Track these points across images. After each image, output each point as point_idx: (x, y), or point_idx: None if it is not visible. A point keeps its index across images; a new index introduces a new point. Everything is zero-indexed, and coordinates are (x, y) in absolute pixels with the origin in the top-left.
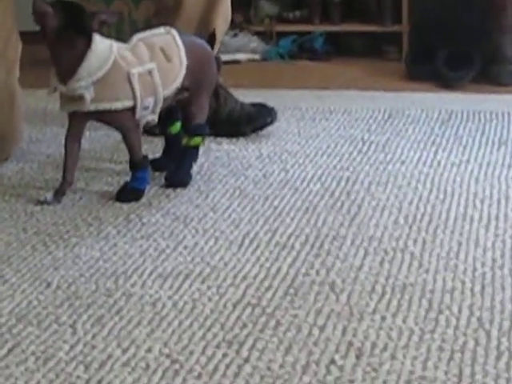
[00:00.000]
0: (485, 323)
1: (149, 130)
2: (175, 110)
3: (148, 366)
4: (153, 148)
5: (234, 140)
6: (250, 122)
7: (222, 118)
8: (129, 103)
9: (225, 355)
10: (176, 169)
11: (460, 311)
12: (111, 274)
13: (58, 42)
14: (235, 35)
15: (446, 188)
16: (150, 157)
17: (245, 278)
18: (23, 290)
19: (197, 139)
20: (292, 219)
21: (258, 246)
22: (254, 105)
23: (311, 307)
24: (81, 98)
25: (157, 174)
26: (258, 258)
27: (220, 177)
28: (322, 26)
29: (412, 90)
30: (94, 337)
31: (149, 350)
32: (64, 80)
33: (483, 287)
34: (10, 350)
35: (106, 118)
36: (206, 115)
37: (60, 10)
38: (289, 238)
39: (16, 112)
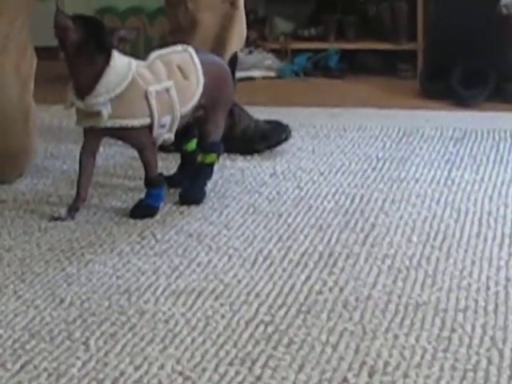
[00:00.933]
0: (498, 342)
1: (164, 147)
2: (191, 127)
3: (160, 383)
4: (167, 165)
5: (248, 157)
6: (265, 139)
7: (236, 136)
8: (146, 121)
9: (237, 373)
10: (190, 186)
11: (473, 330)
12: (124, 290)
13: (77, 57)
14: (250, 52)
15: (460, 206)
16: (165, 173)
17: (258, 295)
18: (36, 305)
19: (212, 156)
20: (306, 237)
21: (271, 264)
22: (268, 122)
23: (324, 325)
24: (98, 114)
25: (171, 190)
26: (272, 276)
27: (234, 194)
28: (336, 43)
29: (426, 108)
30: (106, 354)
31: (161, 367)
32: (82, 95)
33: (496, 306)
34: (22, 366)
35: (122, 134)
36: (222, 133)
37: (80, 25)
38: (302, 255)
39: (31, 128)
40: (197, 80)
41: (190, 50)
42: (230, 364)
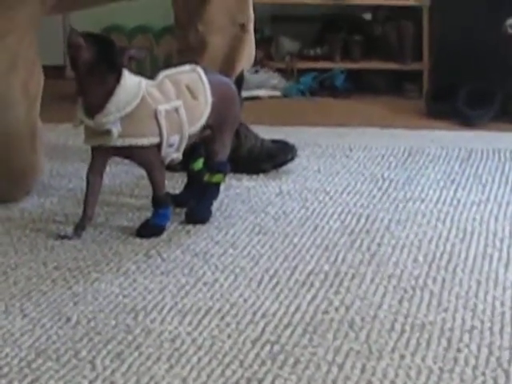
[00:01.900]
0: (503, 363)
1: (171, 166)
2: (198, 146)
3: None
4: (174, 184)
5: (254, 177)
6: (271, 158)
7: (242, 155)
8: (155, 140)
9: None
10: (196, 205)
11: (479, 350)
12: (131, 309)
13: (88, 76)
14: (256, 72)
15: (466, 227)
16: (171, 192)
17: (264, 315)
18: (43, 324)
19: (218, 176)
20: (312, 256)
21: (277, 283)
22: (274, 142)
23: (330, 345)
24: (108, 132)
25: (177, 209)
26: (278, 295)
27: (240, 213)
28: (342, 63)
29: (432, 128)
30: (113, 372)
31: None
32: (91, 114)
33: (502, 327)
34: None
35: (131, 153)
36: (228, 153)
37: (92, 44)
38: (308, 275)
39: (37, 147)
40: (205, 100)
41: (199, 69)
42: (237, 383)
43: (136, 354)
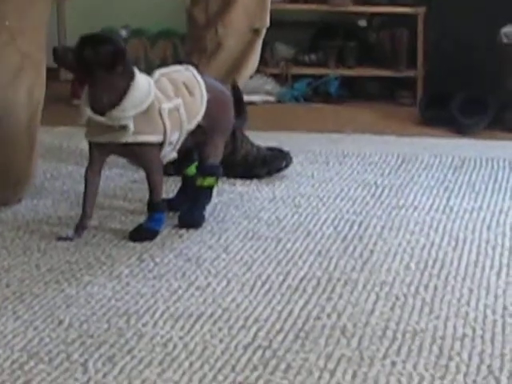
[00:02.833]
0: (495, 371)
1: (164, 171)
2: (192, 152)
3: None
4: (167, 188)
5: (248, 182)
6: (265, 165)
7: (237, 160)
8: (160, 138)
9: None
10: (189, 209)
11: (470, 358)
12: (123, 313)
13: (100, 75)
14: (250, 77)
15: (458, 234)
16: (165, 196)
17: (256, 320)
18: (35, 327)
19: (210, 180)
20: (304, 262)
21: (269, 289)
22: (269, 149)
23: (322, 351)
24: (123, 128)
25: (170, 214)
26: (270, 301)
27: (233, 218)
28: (337, 69)
29: (425, 136)
30: (104, 376)
31: None
32: (102, 111)
33: (493, 335)
34: None
35: (135, 152)
36: (221, 157)
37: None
38: (301, 281)
39: (34, 155)
40: (201, 97)
41: (191, 69)
42: None
43: (128, 357)
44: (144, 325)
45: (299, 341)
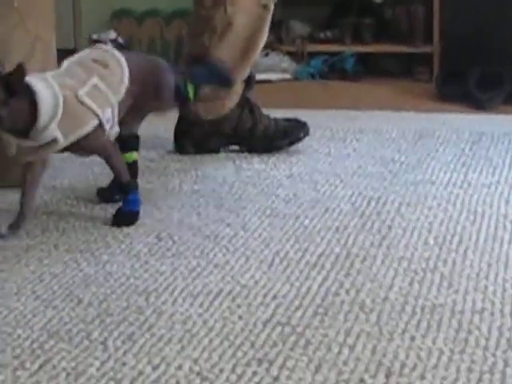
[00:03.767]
0: None
1: None
2: (131, 139)
3: (178, 383)
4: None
5: (265, 159)
6: (286, 136)
7: (257, 135)
8: (94, 122)
9: (255, 373)
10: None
11: (489, 332)
12: (142, 291)
13: (6, 106)
14: (266, 55)
15: (476, 209)
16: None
17: (275, 296)
18: (55, 306)
19: (130, 155)
20: (322, 239)
21: (288, 265)
22: (286, 120)
23: (341, 327)
24: (54, 140)
25: (191, 190)
26: (288, 277)
27: (251, 196)
28: (353, 46)
29: (442, 111)
30: (124, 353)
31: (179, 368)
32: (22, 135)
33: None
34: (41, 366)
35: (81, 146)
36: (138, 128)
37: None
38: (319, 257)
39: None
40: (118, 64)
41: (104, 46)
42: (248, 365)
43: (147, 335)
44: (163, 302)
45: (318, 317)
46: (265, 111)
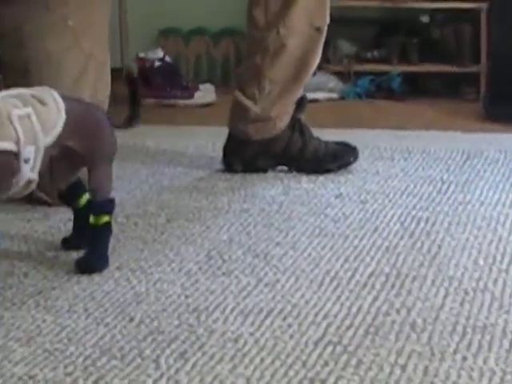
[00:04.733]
0: None
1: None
2: (81, 182)
3: None
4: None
5: (313, 179)
6: (336, 159)
7: (307, 156)
8: (12, 146)
9: None
10: (89, 253)
11: None
12: (193, 309)
13: None
14: (314, 74)
15: None
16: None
17: (326, 316)
18: (106, 323)
19: (104, 217)
20: (372, 258)
21: (338, 285)
22: (336, 143)
23: (392, 346)
24: None
25: (235, 208)
26: (339, 297)
27: (300, 215)
28: (399, 65)
29: (490, 131)
30: (177, 371)
31: None
32: None
33: None
34: (94, 383)
35: None
36: (110, 188)
37: None
38: (369, 277)
39: None
40: (56, 106)
41: (45, 87)
42: None
43: (199, 353)
44: (214, 321)
45: (369, 336)
46: (313, 130)
